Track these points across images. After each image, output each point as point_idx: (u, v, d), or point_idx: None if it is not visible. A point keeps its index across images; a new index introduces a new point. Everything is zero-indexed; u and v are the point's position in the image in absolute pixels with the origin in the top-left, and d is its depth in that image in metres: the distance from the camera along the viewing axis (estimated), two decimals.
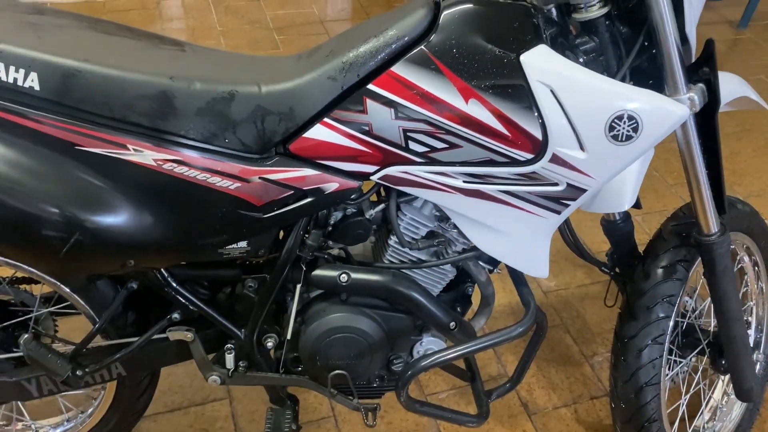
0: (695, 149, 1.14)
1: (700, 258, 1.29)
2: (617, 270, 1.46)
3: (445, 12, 0.98)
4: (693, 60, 1.11)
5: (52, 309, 1.28)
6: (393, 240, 1.18)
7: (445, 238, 1.17)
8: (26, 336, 1.16)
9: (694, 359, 1.50)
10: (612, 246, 1.44)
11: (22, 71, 0.93)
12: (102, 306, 1.21)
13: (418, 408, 1.25)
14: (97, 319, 1.23)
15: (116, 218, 1.00)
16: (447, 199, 1.07)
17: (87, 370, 1.23)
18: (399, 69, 0.98)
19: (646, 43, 1.07)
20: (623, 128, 0.98)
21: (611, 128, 0.98)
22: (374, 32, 1.01)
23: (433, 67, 0.97)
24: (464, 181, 1.04)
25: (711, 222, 1.22)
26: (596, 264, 1.45)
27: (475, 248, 1.16)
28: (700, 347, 1.45)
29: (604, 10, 1.03)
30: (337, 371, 1.21)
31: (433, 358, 1.17)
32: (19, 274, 1.27)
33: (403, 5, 1.06)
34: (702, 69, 1.08)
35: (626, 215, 1.39)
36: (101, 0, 3.31)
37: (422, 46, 0.98)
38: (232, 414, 1.67)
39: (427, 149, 1.02)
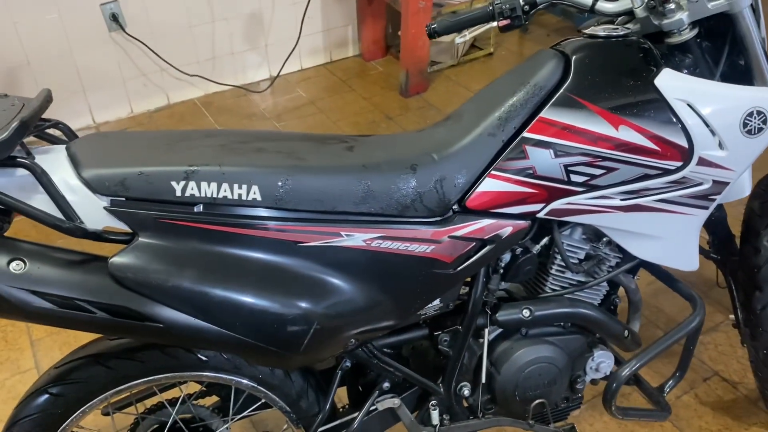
0: None
1: None
2: (716, 256, 1.61)
3: (576, 57, 1.14)
4: None
5: (246, 414, 1.31)
6: (555, 269, 1.29)
7: (598, 257, 1.29)
8: None
9: None
10: (710, 234, 1.59)
11: (245, 186, 1.02)
12: (291, 397, 1.26)
13: (626, 414, 1.34)
14: (290, 411, 1.27)
15: (342, 301, 1.08)
16: (606, 218, 1.19)
17: None
18: (549, 114, 1.12)
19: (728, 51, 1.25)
20: (755, 123, 1.14)
21: (744, 125, 1.13)
22: (514, 88, 1.15)
23: (579, 106, 1.12)
24: (621, 199, 1.17)
25: None
26: (704, 253, 1.59)
27: (626, 261, 1.28)
28: None
29: (695, 32, 1.20)
30: (537, 401, 1.29)
31: (632, 365, 1.27)
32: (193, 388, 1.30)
33: (527, 62, 1.20)
34: None
35: (719, 205, 1.55)
36: None
37: (564, 91, 1.12)
38: None
39: (587, 178, 1.14)
